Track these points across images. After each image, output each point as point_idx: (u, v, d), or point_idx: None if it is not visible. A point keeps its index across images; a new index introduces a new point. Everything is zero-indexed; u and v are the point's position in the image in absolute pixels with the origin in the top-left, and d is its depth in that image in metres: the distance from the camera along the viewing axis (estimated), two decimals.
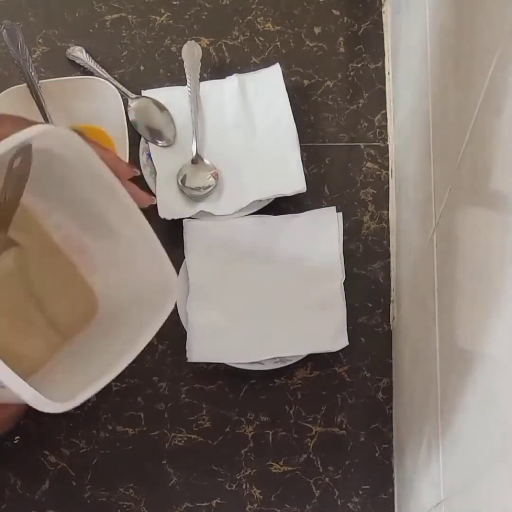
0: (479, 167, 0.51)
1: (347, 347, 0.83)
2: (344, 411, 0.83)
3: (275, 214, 0.88)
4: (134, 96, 0.92)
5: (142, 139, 0.90)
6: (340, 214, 0.87)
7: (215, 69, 0.95)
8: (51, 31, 0.96)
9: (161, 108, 0.92)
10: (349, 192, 0.90)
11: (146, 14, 0.97)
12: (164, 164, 0.89)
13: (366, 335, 0.85)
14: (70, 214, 0.70)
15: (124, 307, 0.70)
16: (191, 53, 0.93)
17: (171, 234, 0.87)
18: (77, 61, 0.94)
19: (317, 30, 0.97)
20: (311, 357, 0.83)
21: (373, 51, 0.96)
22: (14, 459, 0.81)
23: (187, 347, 0.82)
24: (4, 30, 0.88)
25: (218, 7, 0.98)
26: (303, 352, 0.82)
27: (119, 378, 0.83)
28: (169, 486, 0.81)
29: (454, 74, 0.60)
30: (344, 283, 0.84)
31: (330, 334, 0.83)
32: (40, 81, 0.87)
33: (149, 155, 0.90)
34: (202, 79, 0.92)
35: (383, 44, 0.96)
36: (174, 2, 0.98)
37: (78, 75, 0.93)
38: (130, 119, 0.90)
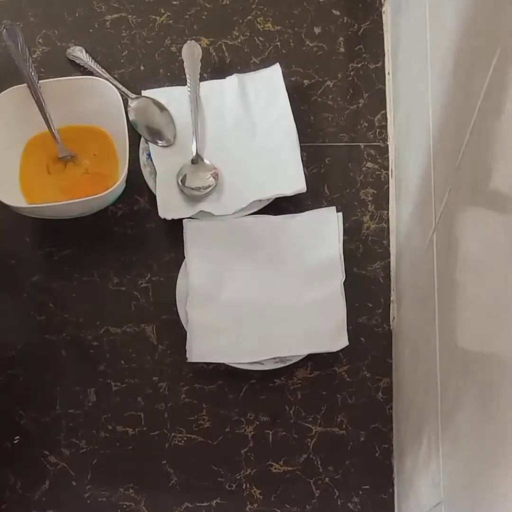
0: (479, 167, 0.51)
1: (347, 347, 0.83)
2: (344, 411, 0.83)
3: (275, 214, 0.88)
4: (134, 96, 0.92)
5: (142, 139, 0.90)
6: (340, 214, 0.87)
7: (215, 69, 0.95)
8: (51, 31, 0.96)
9: (161, 108, 0.92)
10: (349, 192, 0.90)
11: (146, 14, 0.97)
12: (164, 164, 0.89)
13: (366, 335, 0.85)
14: None
15: None
16: (191, 53, 0.93)
17: (171, 234, 0.88)
18: (77, 61, 0.94)
19: (317, 30, 0.97)
20: (311, 357, 0.83)
21: (373, 51, 0.96)
22: (14, 459, 0.82)
23: (187, 347, 0.82)
24: (4, 30, 0.88)
25: (218, 7, 0.98)
26: (303, 352, 0.82)
27: (119, 378, 0.83)
28: (169, 486, 0.81)
29: (454, 74, 0.60)
30: (344, 283, 0.84)
31: (330, 334, 0.83)
32: (40, 81, 0.87)
33: (149, 155, 0.90)
34: (202, 79, 0.92)
35: (383, 44, 0.96)
36: (174, 2, 0.98)
37: (78, 75, 0.93)
38: (130, 119, 0.90)
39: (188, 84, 0.91)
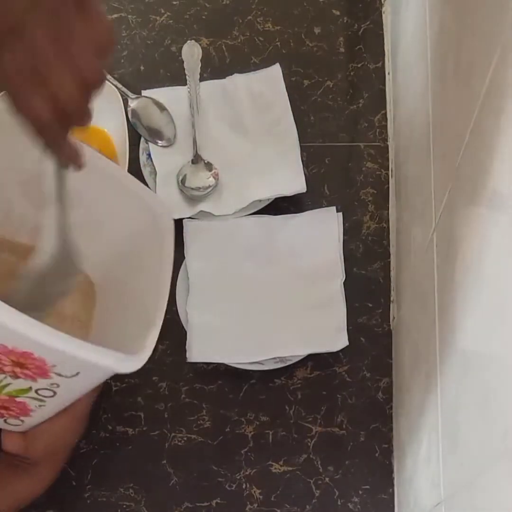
0: (479, 167, 0.51)
1: (347, 347, 0.83)
2: (344, 411, 0.83)
3: (275, 214, 0.88)
4: (134, 96, 0.92)
5: (142, 139, 0.90)
6: (340, 214, 0.87)
7: (215, 69, 0.95)
8: None
9: (161, 108, 0.92)
10: (349, 192, 0.90)
11: (146, 14, 0.97)
12: (164, 164, 0.89)
13: (366, 335, 0.85)
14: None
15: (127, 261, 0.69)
16: (191, 53, 0.93)
17: None
18: None
19: (317, 30, 0.97)
20: (311, 357, 0.83)
21: (373, 51, 0.96)
22: None
23: (187, 347, 0.82)
24: None
25: (218, 7, 0.98)
26: (303, 352, 0.82)
27: (119, 378, 0.83)
28: (169, 486, 0.81)
29: (454, 74, 0.60)
30: (344, 283, 0.84)
31: (330, 334, 0.83)
32: None
33: (149, 155, 0.90)
34: (202, 79, 0.92)
35: (383, 44, 0.96)
36: (174, 2, 0.98)
37: None
38: (130, 119, 0.90)
39: (188, 84, 0.91)
